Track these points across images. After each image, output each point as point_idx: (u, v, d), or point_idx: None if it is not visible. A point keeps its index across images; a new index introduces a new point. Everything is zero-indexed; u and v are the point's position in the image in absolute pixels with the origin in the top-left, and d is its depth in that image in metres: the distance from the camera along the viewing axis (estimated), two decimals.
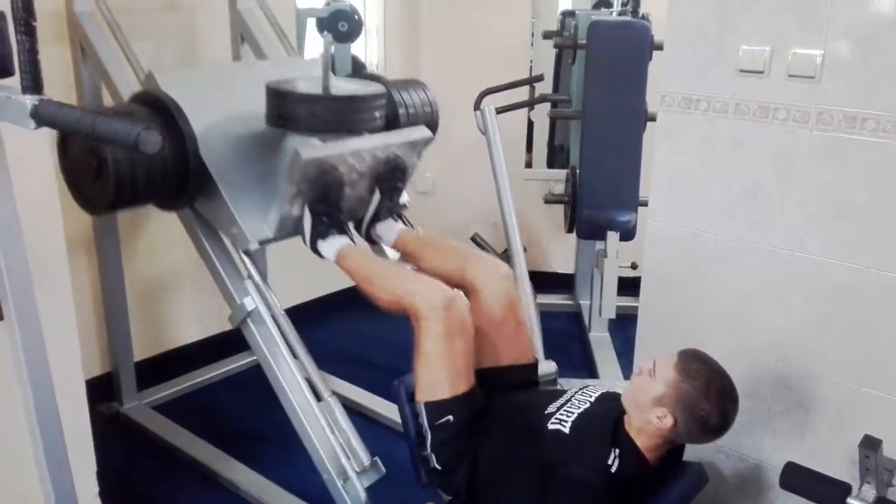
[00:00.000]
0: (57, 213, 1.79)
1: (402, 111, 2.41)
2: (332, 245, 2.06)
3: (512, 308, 2.01)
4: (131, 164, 1.87)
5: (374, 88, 2.14)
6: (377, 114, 2.11)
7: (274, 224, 2.06)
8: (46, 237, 1.74)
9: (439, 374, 1.80)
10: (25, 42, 1.07)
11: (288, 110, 2.02)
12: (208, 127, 2.06)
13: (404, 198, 2.34)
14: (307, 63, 2.55)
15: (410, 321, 1.85)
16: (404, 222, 2.30)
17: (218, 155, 2.06)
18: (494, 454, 1.78)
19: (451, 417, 1.79)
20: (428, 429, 1.80)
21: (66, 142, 1.96)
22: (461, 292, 1.89)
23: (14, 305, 1.28)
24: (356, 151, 2.09)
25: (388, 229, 2.24)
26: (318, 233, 2.06)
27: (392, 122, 2.32)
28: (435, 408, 1.80)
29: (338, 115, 2.04)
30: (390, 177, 2.22)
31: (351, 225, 2.23)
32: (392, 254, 2.32)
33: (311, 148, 2.00)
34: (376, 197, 2.22)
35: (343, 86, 2.15)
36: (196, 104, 2.04)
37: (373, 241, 2.30)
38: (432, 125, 2.48)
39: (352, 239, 2.11)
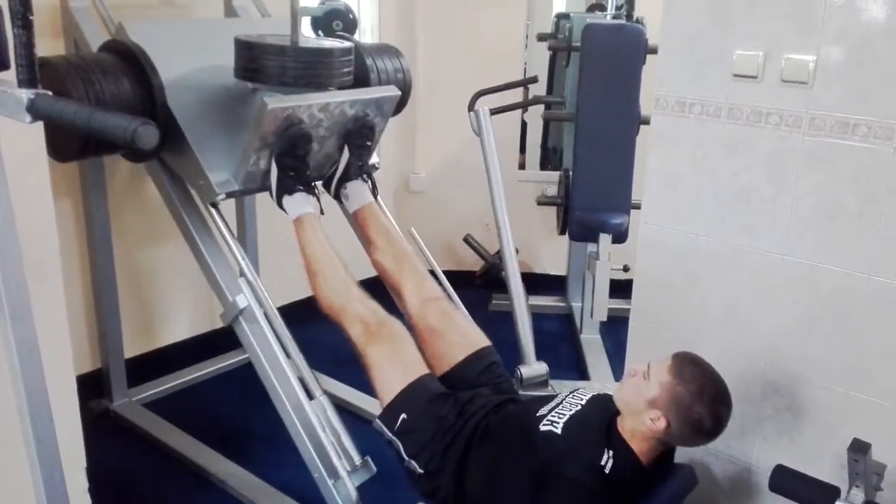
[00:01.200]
0: (50, 210, 1.78)
1: (373, 76, 2.46)
2: (297, 205, 2.10)
3: (445, 319, 2.08)
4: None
5: (342, 44, 2.16)
6: (345, 69, 2.14)
7: (241, 176, 2.09)
8: (39, 234, 1.73)
9: (388, 378, 1.88)
10: (22, 36, 1.06)
11: (256, 63, 2.04)
12: (177, 78, 2.08)
13: (374, 159, 2.38)
14: (282, 22, 2.57)
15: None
16: (373, 185, 2.33)
17: (186, 106, 2.08)
18: (487, 459, 1.78)
19: (404, 415, 1.82)
20: (394, 438, 1.84)
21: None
22: (394, 319, 2.02)
23: (7, 301, 1.27)
24: (323, 105, 2.10)
25: (357, 192, 2.28)
26: (285, 187, 2.10)
27: (363, 85, 2.36)
28: (388, 414, 1.86)
29: (305, 69, 2.06)
30: (358, 134, 2.24)
31: (320, 185, 2.28)
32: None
33: (278, 99, 2.01)
34: (345, 155, 2.25)
35: (312, 41, 2.17)
36: (165, 55, 2.06)
37: (340, 201, 2.34)
38: (404, 91, 2.50)
39: (319, 201, 2.16)
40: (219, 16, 2.84)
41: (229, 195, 2.11)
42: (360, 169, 2.28)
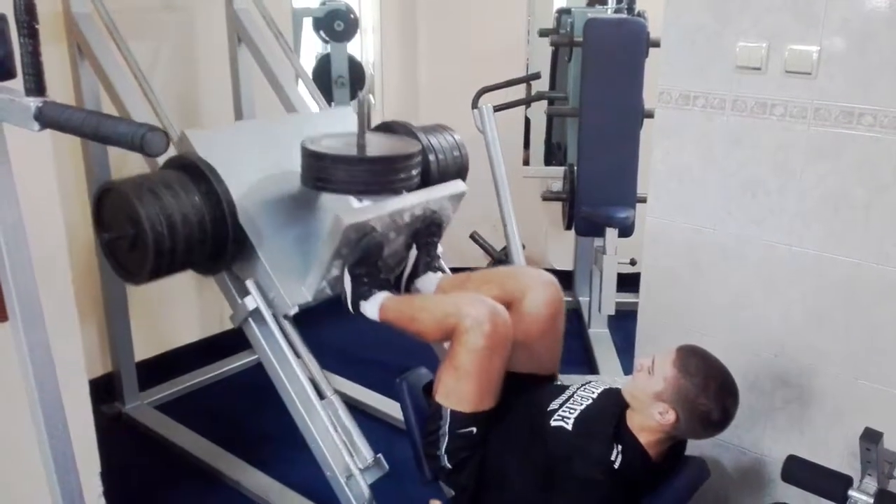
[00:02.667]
0: (58, 214, 1.79)
1: (431, 158, 2.37)
2: (374, 303, 2.00)
3: (555, 317, 1.97)
4: (170, 233, 1.83)
5: (411, 146, 2.12)
6: (414, 172, 2.08)
7: (313, 288, 2.04)
8: (48, 238, 1.75)
9: (470, 388, 1.78)
10: (28, 44, 1.07)
11: (325, 172, 1.99)
12: (245, 191, 2.03)
13: (440, 249, 2.29)
14: (337, 113, 2.54)
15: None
16: (442, 270, 2.26)
17: (255, 219, 2.04)
18: (499, 452, 1.79)
19: (474, 429, 1.79)
20: (447, 433, 1.80)
21: (102, 212, 1.92)
22: (504, 317, 1.81)
23: (19, 306, 1.28)
24: (396, 212, 2.06)
25: (428, 282, 2.19)
26: (360, 294, 2.02)
27: (423, 171, 2.26)
28: (461, 418, 1.79)
29: (376, 177, 2.01)
30: (427, 232, 2.19)
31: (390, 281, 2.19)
32: None
33: (352, 213, 1.99)
34: (413, 253, 2.19)
35: (378, 142, 2.13)
36: (232, 167, 2.00)
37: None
38: (463, 169, 2.44)
39: (391, 293, 2.06)
40: (220, 16, 2.84)
41: (301, 307, 2.07)
42: (429, 265, 2.21)
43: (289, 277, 2.06)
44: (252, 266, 2.06)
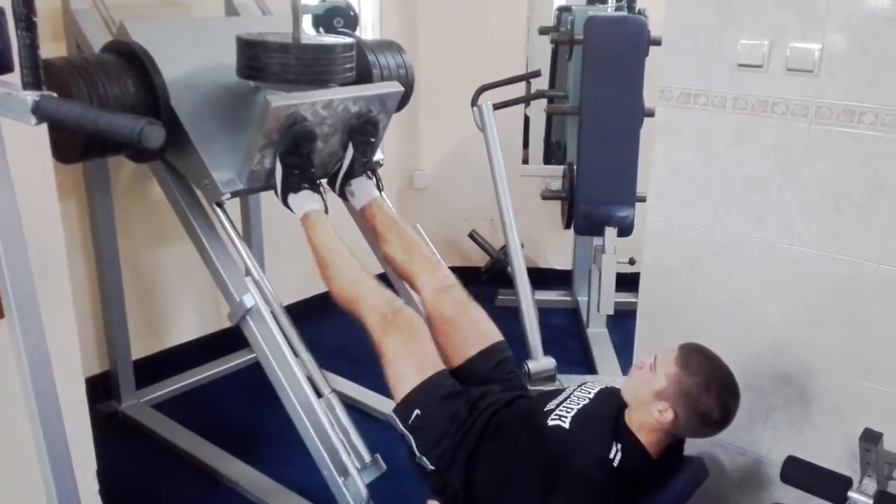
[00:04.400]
0: (56, 211, 1.78)
1: (375, 72, 2.44)
2: (303, 202, 2.09)
3: (461, 308, 2.06)
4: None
5: (344, 40, 2.16)
6: (348, 66, 2.14)
7: (245, 175, 2.08)
8: (46, 235, 1.73)
9: (402, 371, 1.86)
10: (26, 38, 1.06)
11: (258, 61, 2.04)
12: (180, 77, 2.07)
13: (378, 155, 2.37)
14: (283, 20, 2.57)
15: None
16: (378, 180, 2.32)
17: (189, 106, 2.08)
18: (496, 455, 1.78)
19: (418, 411, 1.81)
20: (406, 432, 1.83)
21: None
22: (409, 309, 1.99)
23: (15, 303, 1.27)
24: (327, 103, 2.10)
25: (362, 188, 2.27)
26: (290, 185, 2.09)
27: (366, 82, 2.34)
28: (402, 408, 1.84)
29: (308, 66, 2.05)
30: (362, 131, 2.23)
31: (325, 182, 2.27)
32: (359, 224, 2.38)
33: (281, 97, 2.01)
34: (349, 152, 2.24)
35: (314, 38, 2.18)
36: (167, 55, 2.05)
37: (345, 198, 2.33)
38: (407, 87, 2.49)
39: (324, 199, 2.14)
40: (220, 14, 2.83)
41: (234, 194, 2.11)
42: (365, 165, 2.27)
43: (222, 165, 2.10)
44: (186, 154, 2.09)
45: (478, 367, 1.98)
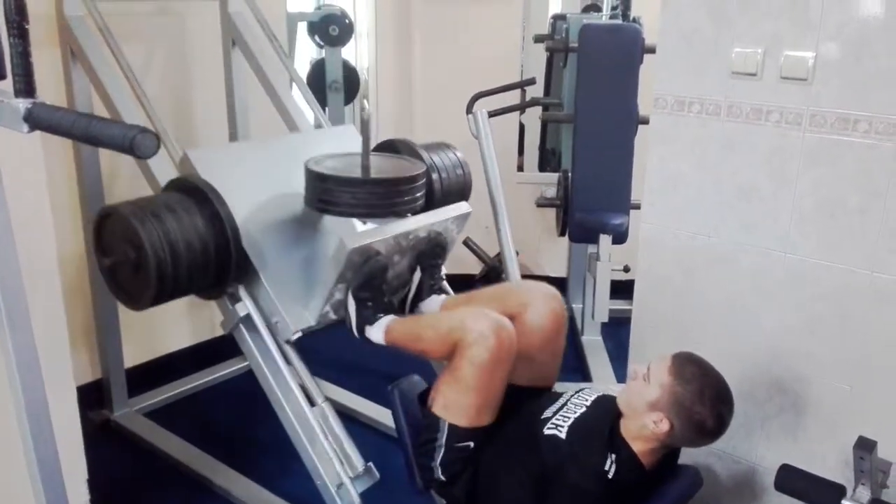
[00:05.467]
0: (48, 220, 1.78)
1: (434, 176, 2.34)
2: (380, 327, 1.97)
3: (558, 330, 1.95)
4: (173, 257, 1.80)
5: (415, 168, 2.09)
6: (419, 194, 2.06)
7: (316, 311, 2.01)
8: (37, 242, 1.73)
9: (471, 402, 1.75)
10: (18, 45, 1.05)
11: (329, 194, 1.96)
12: (247, 213, 2.00)
13: (443, 271, 2.26)
14: (339, 132, 2.50)
15: None
16: (446, 291, 2.23)
17: (258, 242, 2.01)
18: (492, 460, 1.78)
19: (471, 444, 1.77)
20: (443, 445, 1.77)
21: (103, 235, 1.88)
22: (509, 330, 1.78)
23: (6, 310, 1.27)
24: (400, 234, 2.02)
25: (432, 304, 2.16)
26: (365, 319, 1.98)
27: (427, 190, 2.21)
28: (460, 432, 1.77)
29: (381, 199, 1.98)
30: (431, 254, 2.15)
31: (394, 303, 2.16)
32: None
33: (356, 236, 1.96)
34: (417, 275, 2.16)
35: (382, 164, 2.10)
36: (234, 189, 1.97)
37: None
38: (465, 188, 2.42)
39: (395, 315, 2.03)
40: (214, 19, 2.83)
41: (304, 332, 2.03)
42: (433, 288, 2.18)
43: (292, 301, 2.02)
44: (255, 290, 2.03)
45: (529, 399, 1.90)
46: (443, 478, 1.78)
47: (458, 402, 1.76)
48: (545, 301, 1.95)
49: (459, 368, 1.73)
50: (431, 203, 2.25)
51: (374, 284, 1.99)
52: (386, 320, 1.97)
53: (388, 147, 2.38)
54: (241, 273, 1.99)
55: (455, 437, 1.76)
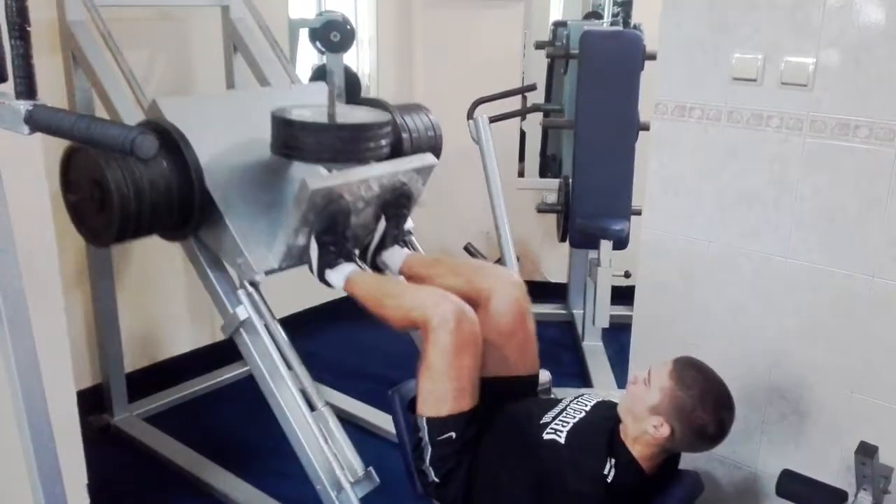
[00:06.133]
0: (48, 221, 1.78)
1: (405, 136, 2.39)
2: (340, 273, 2.02)
3: (522, 318, 1.96)
4: (136, 196, 1.84)
5: (381, 116, 2.13)
6: (384, 142, 2.09)
7: (280, 254, 2.04)
8: (38, 245, 1.73)
9: (444, 389, 1.76)
10: (19, 47, 1.06)
11: (294, 139, 1.99)
12: (213, 156, 2.03)
13: (409, 224, 2.31)
14: (310, 89, 2.54)
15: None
16: (410, 247, 2.27)
17: (223, 185, 2.04)
18: (490, 465, 1.77)
19: (453, 434, 1.76)
20: (428, 443, 1.77)
21: (69, 173, 1.92)
22: (472, 314, 1.81)
23: (6, 314, 1.26)
24: (363, 180, 2.06)
25: (394, 256, 2.20)
26: (326, 262, 2.03)
27: (396, 148, 2.28)
28: (438, 423, 1.77)
29: (345, 144, 2.01)
30: (396, 204, 2.19)
31: (356, 252, 2.19)
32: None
33: (319, 178, 1.99)
34: (382, 224, 2.19)
35: (349, 113, 2.14)
36: (200, 133, 2.02)
37: (379, 269, 2.24)
38: (436, 149, 2.46)
39: (359, 266, 2.07)
40: (216, 25, 2.84)
41: (268, 273, 2.06)
42: (396, 238, 2.22)
43: (256, 244, 2.06)
44: (218, 232, 2.06)
45: (507, 388, 1.91)
46: (436, 479, 1.78)
47: (433, 392, 1.77)
48: (509, 289, 1.97)
49: (427, 355, 1.77)
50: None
51: (337, 229, 2.04)
52: (348, 269, 2.02)
53: (362, 104, 2.43)
54: (205, 215, 2.03)
55: (435, 430, 1.76)
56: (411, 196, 2.24)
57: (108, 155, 1.84)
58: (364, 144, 2.04)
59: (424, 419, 1.77)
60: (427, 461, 1.77)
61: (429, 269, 2.12)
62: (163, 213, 1.94)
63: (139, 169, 1.87)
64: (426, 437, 1.77)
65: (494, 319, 1.92)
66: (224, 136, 2.13)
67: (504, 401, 1.88)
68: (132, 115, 2.27)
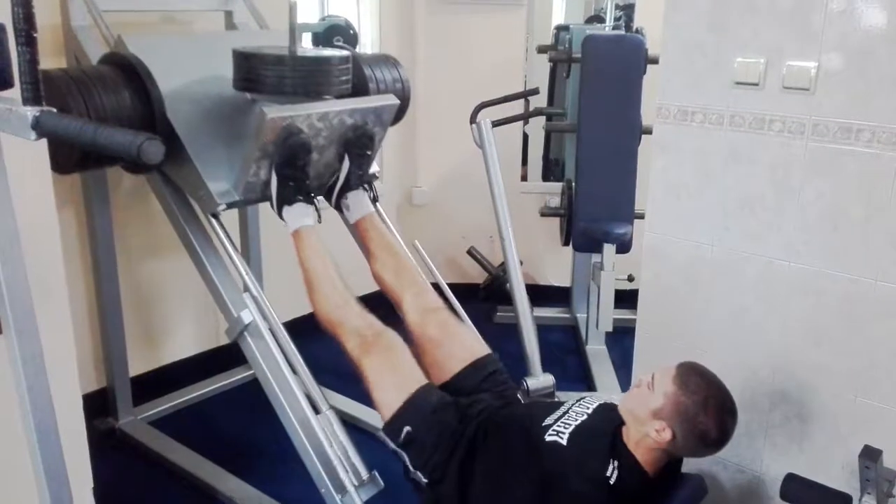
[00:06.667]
0: (54, 226, 1.78)
1: (371, 85, 2.46)
2: (296, 216, 2.10)
3: (444, 329, 2.08)
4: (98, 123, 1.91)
5: (340, 53, 2.18)
6: (343, 78, 2.15)
7: (241, 186, 2.09)
8: (44, 250, 1.73)
9: (388, 391, 1.86)
10: (26, 53, 1.06)
11: (254, 73, 2.05)
12: (176, 89, 2.09)
13: (374, 168, 2.38)
14: (279, 34, 2.58)
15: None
16: (374, 194, 2.34)
17: (186, 118, 2.09)
18: (491, 468, 1.78)
19: (408, 428, 1.81)
20: (399, 450, 1.83)
21: None
22: (390, 331, 2.00)
23: (13, 319, 1.27)
24: (322, 115, 2.11)
25: (358, 202, 2.28)
26: (284, 197, 2.10)
27: (362, 95, 2.36)
28: (390, 427, 1.84)
29: (303, 78, 2.06)
30: (358, 144, 2.24)
31: (321, 197, 2.28)
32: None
33: (277, 109, 2.02)
34: (345, 164, 2.25)
35: (310, 50, 2.20)
36: (164, 67, 2.07)
37: (341, 210, 2.34)
38: (403, 101, 2.50)
39: (318, 212, 2.15)
40: (220, 29, 2.85)
41: (230, 205, 2.11)
42: (361, 178, 2.28)
43: (217, 177, 2.11)
44: (182, 165, 2.10)
45: (465, 382, 1.99)
46: (426, 479, 1.80)
47: (383, 400, 1.88)
48: (424, 318, 2.10)
49: (363, 374, 1.92)
50: None
51: (297, 164, 2.10)
52: (304, 216, 2.11)
53: None
54: (167, 146, 2.03)
55: (394, 434, 1.83)
56: (373, 136, 2.29)
57: (70, 84, 1.90)
58: (322, 79, 2.10)
59: (383, 433, 1.87)
60: (411, 468, 1.81)
61: (378, 248, 2.26)
62: None
63: (101, 97, 1.93)
64: (393, 446, 1.84)
65: (419, 335, 2.07)
66: (189, 73, 2.18)
67: (502, 405, 1.94)
68: None
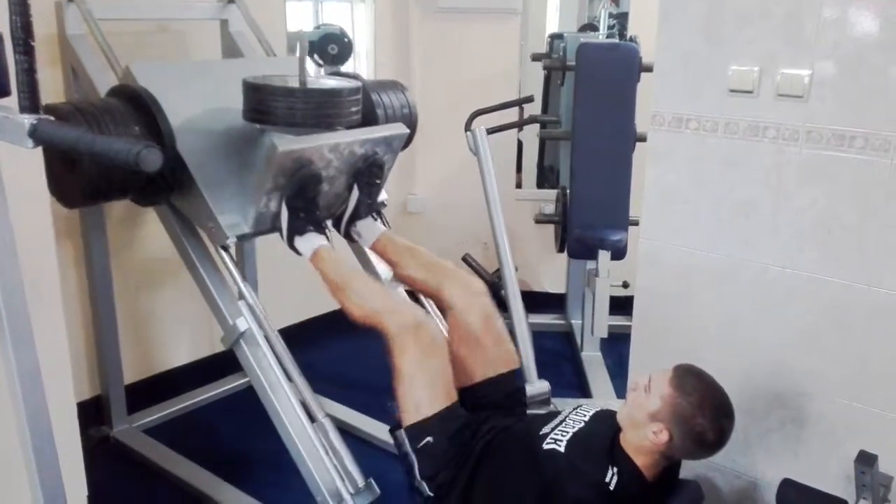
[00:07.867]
0: (49, 234, 1.78)
1: (380, 112, 2.45)
2: (309, 243, 2.07)
3: (488, 322, 2.03)
4: None
5: (350, 83, 2.16)
6: (353, 108, 2.14)
7: (251, 219, 2.08)
8: (39, 258, 1.73)
9: (419, 394, 1.81)
10: (23, 62, 1.07)
11: (265, 104, 2.04)
12: (186, 121, 2.07)
13: (382, 196, 2.37)
14: (285, 61, 2.57)
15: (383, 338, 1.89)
16: (383, 221, 2.33)
17: (195, 150, 2.08)
18: (491, 480, 1.77)
19: (430, 439, 1.78)
20: (412, 453, 1.79)
21: None
22: (431, 314, 1.94)
23: (8, 326, 1.27)
24: (333, 146, 2.10)
25: (368, 228, 2.26)
26: (295, 228, 2.08)
27: (370, 123, 2.34)
28: (416, 430, 1.79)
29: (314, 110, 2.05)
30: (368, 173, 2.23)
31: (330, 224, 2.26)
32: (372, 256, 2.37)
33: (288, 141, 2.01)
34: (355, 194, 2.23)
35: (320, 81, 2.18)
36: (173, 98, 2.06)
37: (352, 239, 2.32)
38: (410, 127, 2.50)
39: (328, 239, 2.12)
40: (214, 38, 2.85)
41: (239, 238, 2.09)
42: (370, 207, 2.26)
43: (227, 209, 2.09)
44: (191, 197, 2.09)
45: (490, 391, 1.96)
46: (430, 493, 1.78)
47: (410, 400, 1.81)
48: (469, 298, 2.05)
49: (396, 363, 1.83)
50: None
51: (308, 196, 2.08)
52: (318, 240, 2.07)
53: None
54: (176, 178, 2.06)
55: (415, 438, 1.79)
56: (383, 166, 2.28)
57: (79, 115, 1.88)
58: (333, 110, 2.08)
59: (403, 430, 1.81)
60: (418, 475, 1.78)
61: (399, 255, 2.21)
62: (132, 176, 1.96)
63: (110, 130, 1.91)
64: (408, 448, 1.80)
65: (462, 326, 2.00)
66: (197, 103, 2.16)
67: (499, 418, 1.90)
68: None
